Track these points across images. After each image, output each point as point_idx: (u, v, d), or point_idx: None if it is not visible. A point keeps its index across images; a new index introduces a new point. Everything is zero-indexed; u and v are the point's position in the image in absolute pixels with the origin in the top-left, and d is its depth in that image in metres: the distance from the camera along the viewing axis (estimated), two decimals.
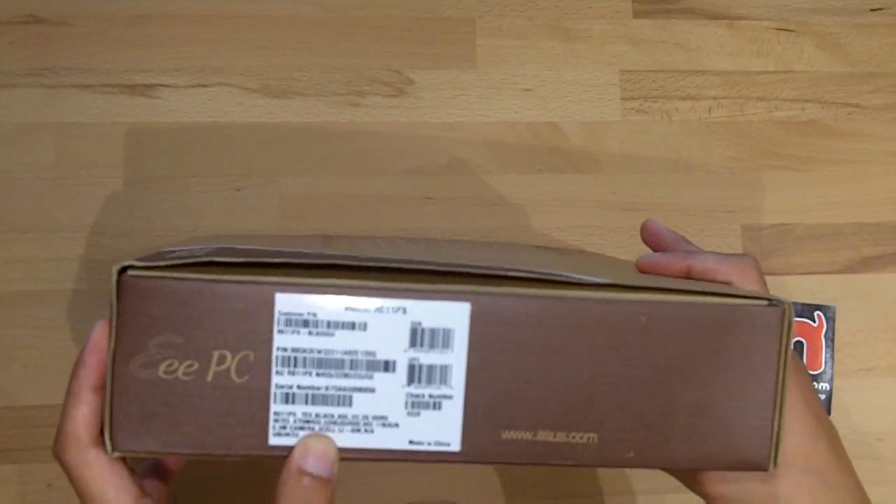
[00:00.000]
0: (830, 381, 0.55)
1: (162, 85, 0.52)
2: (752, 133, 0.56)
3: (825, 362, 0.55)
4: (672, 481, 0.37)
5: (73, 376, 0.31)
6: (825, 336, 0.55)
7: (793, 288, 0.56)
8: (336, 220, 0.53)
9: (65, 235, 0.51)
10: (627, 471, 0.53)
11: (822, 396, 0.55)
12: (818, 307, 0.55)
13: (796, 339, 0.55)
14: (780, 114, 0.56)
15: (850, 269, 0.56)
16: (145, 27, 0.53)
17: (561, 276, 0.30)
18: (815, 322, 0.55)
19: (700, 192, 0.55)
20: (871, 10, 0.58)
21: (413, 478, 0.52)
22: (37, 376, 0.50)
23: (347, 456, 0.30)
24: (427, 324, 0.29)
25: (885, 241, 0.56)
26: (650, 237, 0.41)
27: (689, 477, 0.35)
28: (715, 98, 0.56)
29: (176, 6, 0.53)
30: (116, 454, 0.29)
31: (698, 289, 0.31)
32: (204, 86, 0.53)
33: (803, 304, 0.55)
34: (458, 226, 0.53)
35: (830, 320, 0.55)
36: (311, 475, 0.29)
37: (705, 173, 0.56)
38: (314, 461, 0.29)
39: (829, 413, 0.55)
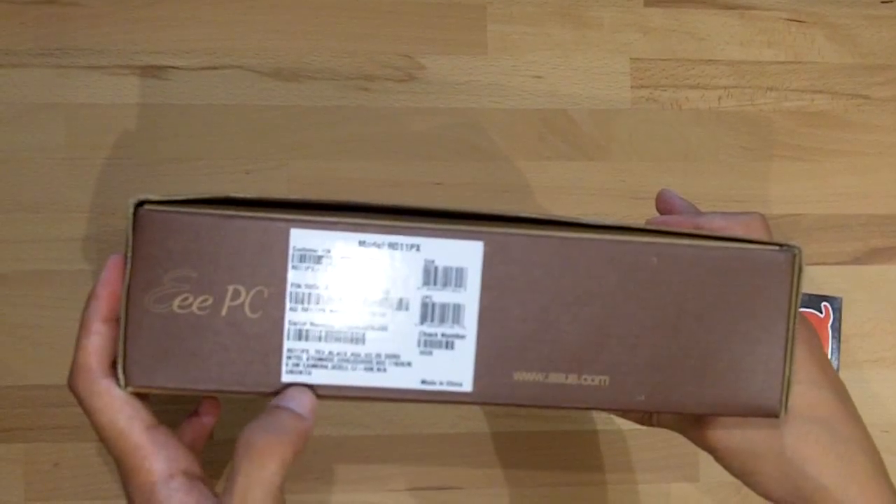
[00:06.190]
0: (836, 372, 0.55)
1: (173, 66, 0.52)
2: (761, 123, 0.56)
3: (832, 353, 0.55)
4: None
5: (85, 308, 0.31)
6: (832, 327, 0.55)
7: None
8: None
9: (74, 216, 0.51)
10: (632, 459, 0.53)
11: None
12: (825, 298, 0.55)
13: None
14: (789, 104, 0.56)
15: (857, 260, 0.56)
16: (157, 8, 0.53)
17: (573, 219, 0.31)
18: (821, 313, 0.55)
19: (709, 182, 0.55)
20: (883, 1, 0.58)
21: (416, 462, 0.52)
22: (45, 356, 0.50)
23: (360, 395, 0.30)
24: (440, 262, 0.29)
25: (893, 233, 0.56)
26: (663, 204, 0.41)
27: (695, 428, 0.35)
28: (725, 87, 0.56)
29: None
30: (130, 389, 0.29)
31: (710, 234, 0.31)
32: (215, 68, 0.53)
33: (810, 295, 0.55)
34: None
35: (837, 311, 0.55)
36: (280, 406, 0.29)
37: (714, 163, 0.56)
38: (285, 399, 0.29)
39: None
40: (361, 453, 0.51)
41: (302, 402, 0.29)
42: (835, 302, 0.55)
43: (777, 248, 0.31)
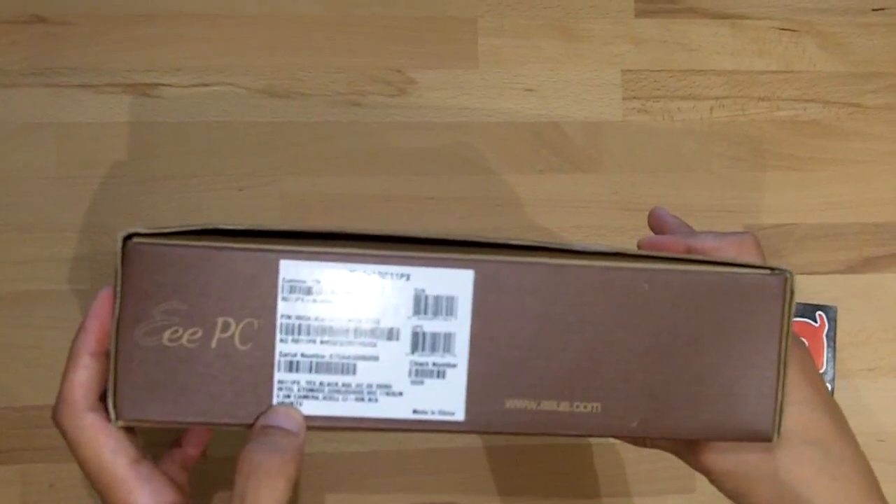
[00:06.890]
0: (832, 382, 0.55)
1: (164, 84, 0.52)
2: (753, 133, 0.56)
3: (827, 362, 0.55)
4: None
5: (74, 341, 0.31)
6: (827, 336, 0.55)
7: None
8: (338, 220, 0.53)
9: (66, 235, 0.51)
10: (627, 471, 0.53)
11: None
12: (820, 307, 0.55)
13: None
14: (781, 114, 0.56)
15: (851, 269, 0.56)
16: (148, 27, 0.53)
17: (564, 245, 0.31)
18: (816, 322, 0.55)
19: (701, 193, 0.55)
20: (874, 9, 0.58)
21: (411, 477, 0.52)
22: (39, 376, 0.50)
23: (352, 426, 0.30)
24: (431, 291, 0.29)
25: (887, 241, 0.56)
26: (655, 222, 0.42)
27: (689, 451, 0.35)
28: (716, 98, 0.56)
29: (178, 6, 0.53)
30: (120, 423, 0.29)
31: (701, 259, 0.31)
32: (206, 85, 0.53)
33: (805, 305, 0.55)
34: (459, 226, 0.53)
35: (832, 320, 0.55)
36: (273, 426, 0.29)
37: (707, 173, 0.56)
38: (276, 418, 0.29)
39: None
40: (356, 469, 0.51)
41: (292, 420, 0.29)
42: (829, 311, 0.55)
43: (769, 271, 0.31)
